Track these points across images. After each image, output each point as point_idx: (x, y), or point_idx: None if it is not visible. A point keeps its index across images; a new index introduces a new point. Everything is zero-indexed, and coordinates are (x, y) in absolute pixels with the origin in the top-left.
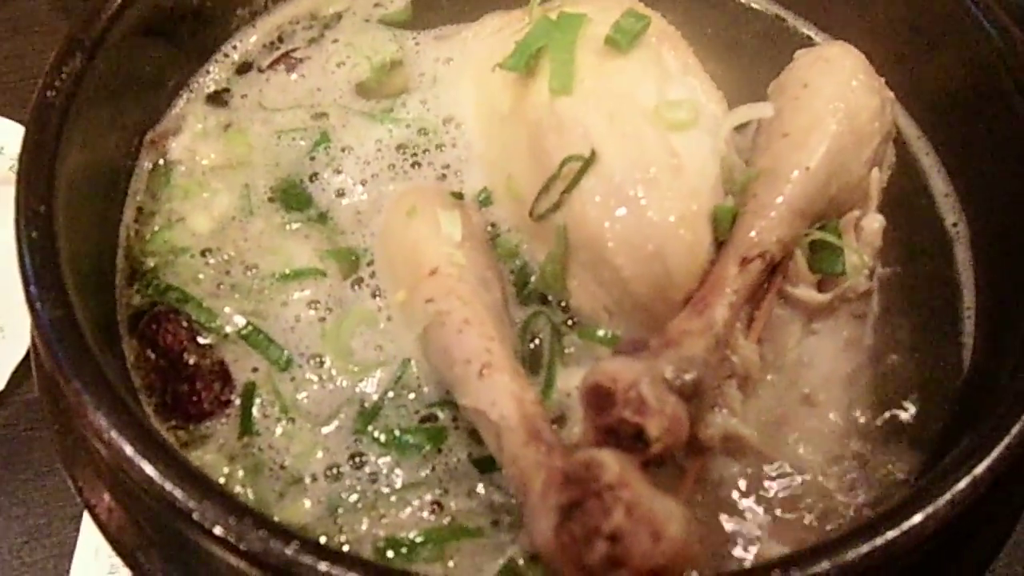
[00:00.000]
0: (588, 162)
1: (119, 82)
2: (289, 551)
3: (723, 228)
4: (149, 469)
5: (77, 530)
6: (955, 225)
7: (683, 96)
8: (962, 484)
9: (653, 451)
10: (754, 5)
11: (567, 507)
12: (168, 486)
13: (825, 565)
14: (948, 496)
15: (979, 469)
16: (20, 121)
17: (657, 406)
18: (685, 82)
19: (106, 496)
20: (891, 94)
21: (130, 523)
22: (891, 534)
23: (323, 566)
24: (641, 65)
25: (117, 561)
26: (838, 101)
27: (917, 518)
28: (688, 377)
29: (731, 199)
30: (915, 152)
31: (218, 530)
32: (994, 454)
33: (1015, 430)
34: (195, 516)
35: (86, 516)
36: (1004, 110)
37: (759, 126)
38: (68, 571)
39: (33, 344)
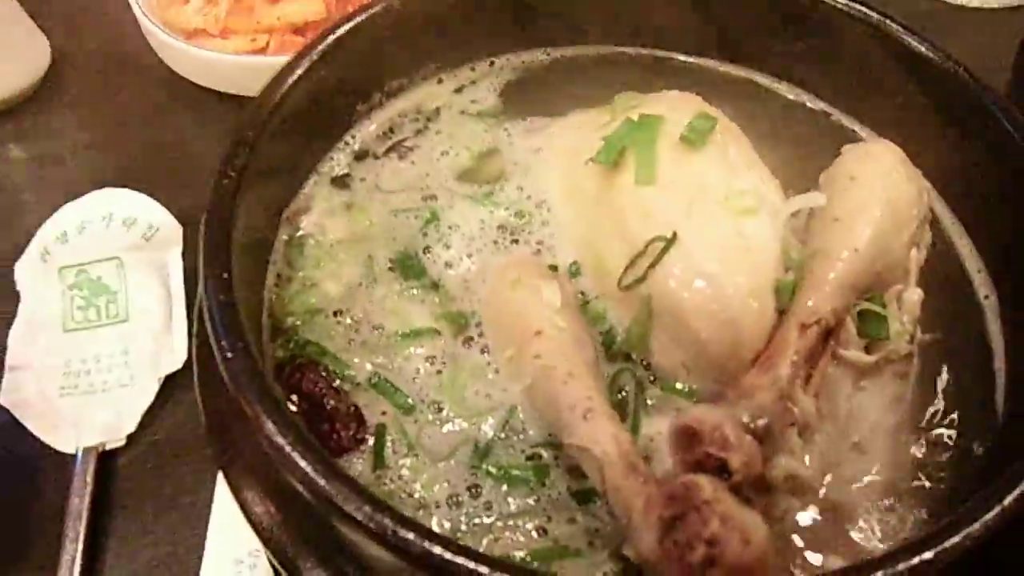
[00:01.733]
0: (670, 242)
1: (268, 169)
2: (438, 548)
3: (784, 299)
4: (321, 479)
5: (200, 557)
6: (986, 297)
7: (748, 186)
8: (992, 513)
9: (735, 480)
10: (805, 102)
11: (670, 520)
12: (334, 491)
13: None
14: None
15: (1008, 499)
16: (149, 194)
17: (737, 443)
18: (748, 173)
19: (269, 507)
20: (927, 183)
21: (288, 531)
22: (927, 554)
23: (482, 568)
24: (711, 159)
25: None
26: (881, 191)
27: (954, 539)
28: (760, 422)
29: (791, 274)
30: (950, 234)
31: (380, 528)
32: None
33: None
34: (359, 517)
35: (209, 544)
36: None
37: (811, 211)
38: None
39: (202, 387)
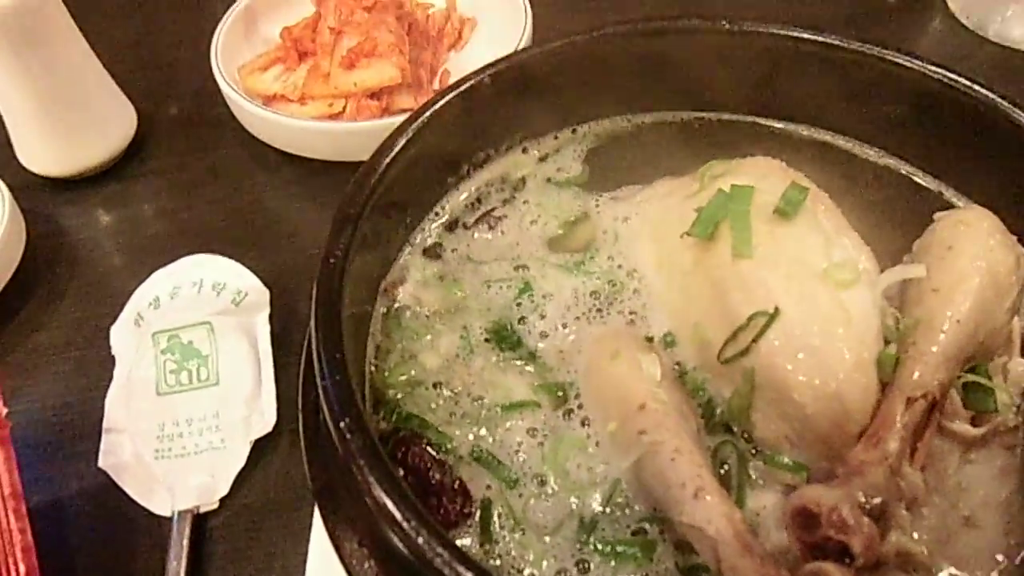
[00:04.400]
0: (773, 317)
1: (368, 244)
2: None
3: (886, 371)
4: (433, 549)
5: None
6: None
7: (844, 256)
8: None
9: (858, 565)
10: (888, 165)
11: None
12: (448, 559)
13: None
14: None
15: None
16: (235, 259)
17: (857, 526)
18: (841, 243)
19: (372, 566)
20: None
21: None
22: None
23: None
24: (806, 230)
25: None
26: (979, 260)
27: None
28: (876, 501)
29: (892, 347)
30: None
31: None
32: None
33: None
34: None
35: None
36: None
37: (906, 281)
38: None
39: (311, 456)
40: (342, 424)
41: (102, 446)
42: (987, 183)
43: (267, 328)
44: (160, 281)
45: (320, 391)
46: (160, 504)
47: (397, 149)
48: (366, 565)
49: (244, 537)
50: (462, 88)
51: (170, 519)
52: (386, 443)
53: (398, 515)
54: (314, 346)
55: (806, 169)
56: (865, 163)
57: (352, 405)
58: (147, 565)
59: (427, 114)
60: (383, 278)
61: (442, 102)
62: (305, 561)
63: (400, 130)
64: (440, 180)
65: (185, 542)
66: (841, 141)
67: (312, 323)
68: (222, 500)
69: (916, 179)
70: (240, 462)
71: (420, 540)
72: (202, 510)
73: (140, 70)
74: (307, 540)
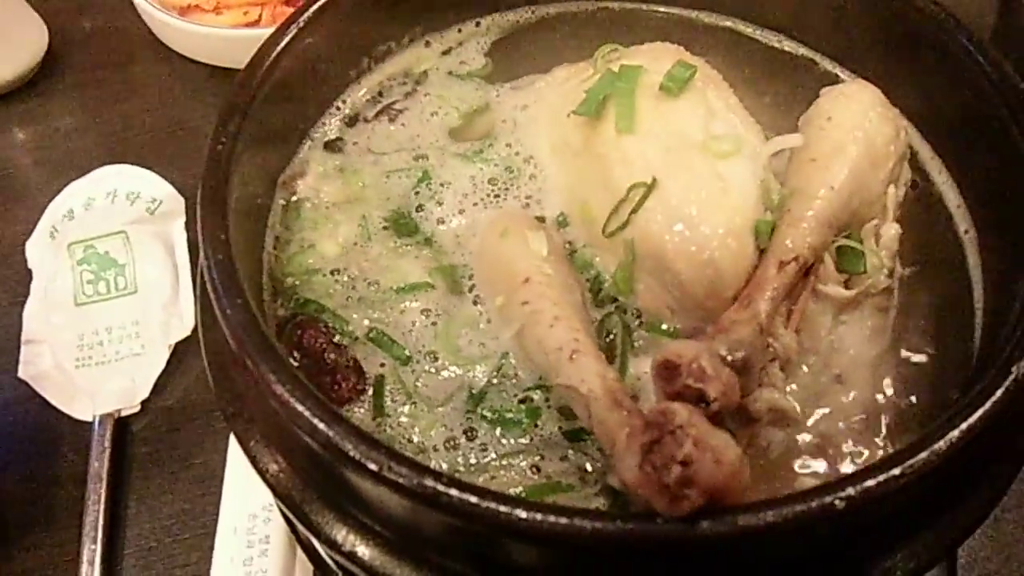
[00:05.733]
0: (650, 188)
1: (262, 135)
2: (439, 484)
3: (764, 238)
4: (322, 424)
5: (216, 513)
6: (966, 232)
7: (726, 130)
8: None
9: (712, 409)
10: (787, 47)
11: (648, 444)
12: (338, 436)
13: (851, 491)
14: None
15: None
16: (150, 169)
17: (714, 374)
18: (727, 119)
19: (276, 456)
20: (905, 122)
21: (294, 477)
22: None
23: (472, 497)
24: (690, 106)
25: (252, 538)
26: (857, 130)
27: (922, 455)
28: (738, 355)
29: (770, 214)
30: (930, 170)
31: (381, 469)
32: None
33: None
34: (360, 458)
35: (224, 500)
36: (1002, 133)
37: (791, 153)
38: (212, 547)
39: (207, 349)
40: (223, 299)
41: (21, 357)
42: (880, 63)
43: (183, 235)
44: (74, 193)
45: (204, 272)
46: (81, 410)
47: (289, 37)
48: (268, 459)
49: (166, 438)
50: None
51: (91, 424)
52: (284, 329)
53: (284, 390)
54: (198, 228)
55: (709, 55)
56: (763, 46)
57: (235, 280)
58: (72, 470)
59: (316, 6)
60: (282, 172)
61: None
62: (225, 460)
63: (292, 19)
64: (340, 74)
65: (107, 444)
66: (740, 25)
67: (197, 206)
68: (143, 403)
69: (816, 62)
70: (160, 365)
71: (305, 410)
72: (124, 414)
73: None
74: (227, 438)
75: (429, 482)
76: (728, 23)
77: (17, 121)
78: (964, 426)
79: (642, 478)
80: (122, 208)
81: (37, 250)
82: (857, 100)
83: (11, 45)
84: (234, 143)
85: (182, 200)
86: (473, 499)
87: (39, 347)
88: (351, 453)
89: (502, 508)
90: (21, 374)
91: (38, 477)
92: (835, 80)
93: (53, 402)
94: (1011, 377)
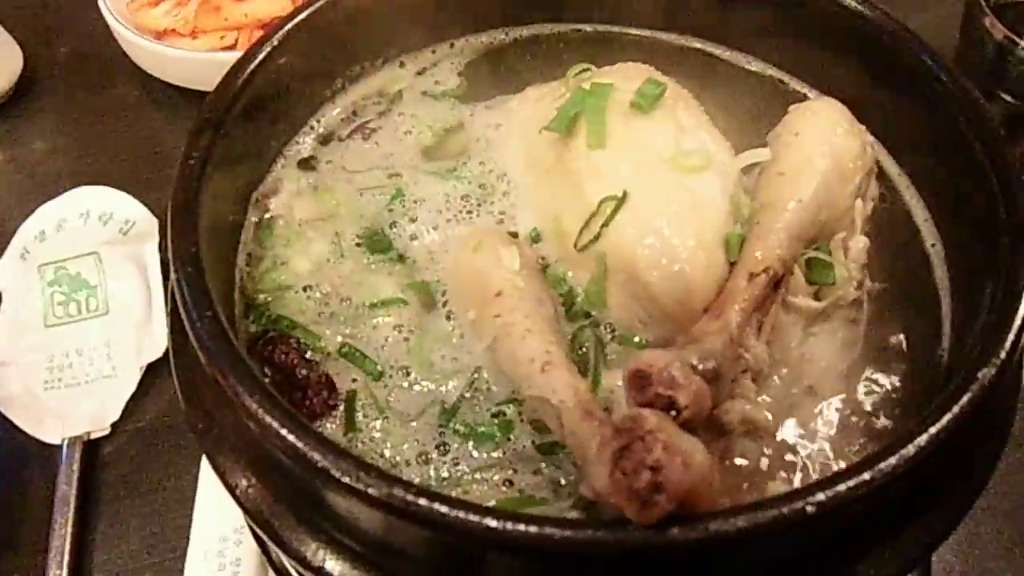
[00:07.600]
0: (621, 201)
1: (234, 152)
2: (408, 494)
3: (734, 251)
4: (293, 437)
5: (187, 537)
6: (933, 245)
7: (696, 145)
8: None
9: (683, 416)
10: (755, 68)
11: (618, 451)
12: (308, 447)
13: (820, 496)
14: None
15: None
16: (124, 191)
17: (685, 382)
18: (697, 134)
19: (248, 475)
20: (871, 138)
21: (264, 493)
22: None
23: (452, 511)
24: (660, 123)
25: (223, 560)
26: (824, 144)
27: (891, 460)
28: (709, 364)
29: (739, 227)
30: (898, 186)
31: (350, 480)
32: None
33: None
34: (329, 468)
35: (195, 523)
36: (966, 150)
37: (761, 168)
38: (182, 571)
39: (176, 365)
40: (192, 313)
41: None
42: (847, 82)
43: (156, 256)
44: (46, 215)
45: (174, 286)
46: (50, 433)
47: (262, 56)
48: (239, 475)
49: (136, 461)
50: (324, 1)
51: (60, 447)
52: (255, 344)
53: (254, 404)
54: (168, 243)
55: (680, 76)
56: (733, 68)
57: (204, 294)
58: (40, 494)
59: (288, 27)
60: (256, 189)
61: (304, 15)
62: (197, 482)
63: (265, 38)
64: (314, 93)
65: (75, 467)
66: (711, 48)
67: (168, 222)
68: (114, 426)
69: (784, 82)
70: (131, 387)
71: (275, 423)
72: (93, 436)
73: (27, 8)
74: (199, 461)
75: (399, 492)
76: (698, 44)
77: None
78: (934, 430)
79: (612, 485)
80: (95, 229)
81: (7, 272)
82: (824, 116)
83: None
84: (205, 160)
85: (156, 222)
86: (443, 509)
87: (7, 369)
88: (320, 464)
89: (472, 517)
90: None
91: (4, 501)
92: (803, 99)
93: (21, 425)
94: (978, 383)
